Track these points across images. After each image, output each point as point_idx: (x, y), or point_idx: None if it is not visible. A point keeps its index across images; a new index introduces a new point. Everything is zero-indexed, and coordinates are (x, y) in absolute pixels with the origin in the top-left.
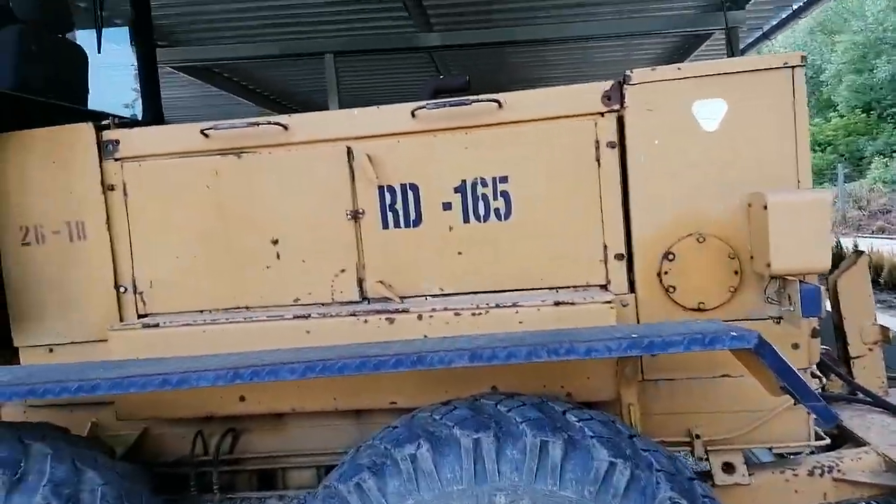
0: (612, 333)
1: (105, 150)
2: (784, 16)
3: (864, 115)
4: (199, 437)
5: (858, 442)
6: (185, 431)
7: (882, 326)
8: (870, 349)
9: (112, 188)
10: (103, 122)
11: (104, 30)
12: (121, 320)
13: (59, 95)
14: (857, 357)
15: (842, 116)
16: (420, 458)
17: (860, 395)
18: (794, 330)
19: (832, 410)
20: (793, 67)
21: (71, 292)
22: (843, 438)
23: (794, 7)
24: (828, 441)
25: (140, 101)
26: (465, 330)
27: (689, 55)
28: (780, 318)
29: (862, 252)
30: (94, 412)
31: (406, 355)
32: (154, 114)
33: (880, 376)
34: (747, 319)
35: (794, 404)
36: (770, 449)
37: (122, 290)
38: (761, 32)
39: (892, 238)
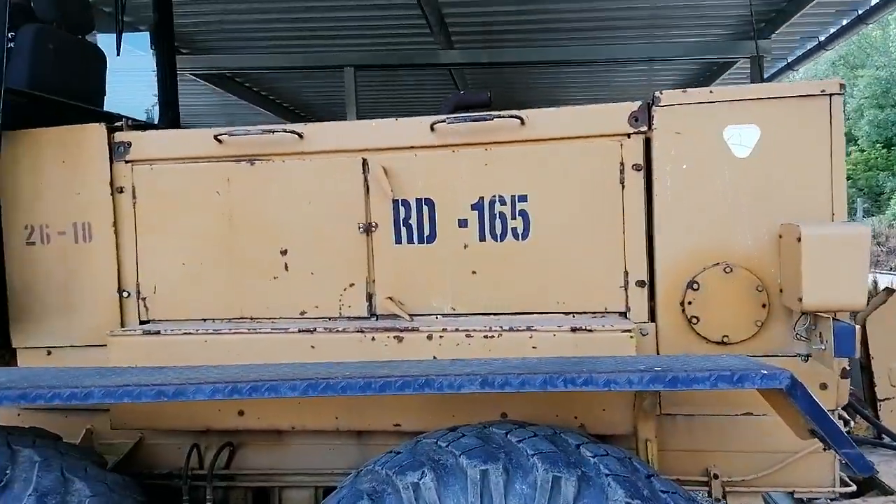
0: (633, 365)
1: (116, 151)
2: (809, 47)
3: (885, 150)
4: (195, 450)
5: (885, 490)
6: (180, 443)
7: None
8: None
9: (121, 190)
10: (116, 124)
11: (126, 34)
12: (122, 325)
13: (75, 96)
14: (885, 399)
15: (862, 151)
16: (423, 488)
17: (887, 440)
18: (822, 369)
19: (867, 459)
20: (830, 95)
21: (73, 295)
22: (867, 485)
23: (821, 39)
24: (854, 488)
25: (157, 105)
26: (477, 352)
27: (711, 83)
28: (809, 355)
29: (893, 290)
30: (90, 418)
31: (413, 378)
32: (171, 119)
33: None
34: (773, 356)
35: (825, 449)
36: (792, 493)
37: (125, 294)
38: (785, 63)
39: None
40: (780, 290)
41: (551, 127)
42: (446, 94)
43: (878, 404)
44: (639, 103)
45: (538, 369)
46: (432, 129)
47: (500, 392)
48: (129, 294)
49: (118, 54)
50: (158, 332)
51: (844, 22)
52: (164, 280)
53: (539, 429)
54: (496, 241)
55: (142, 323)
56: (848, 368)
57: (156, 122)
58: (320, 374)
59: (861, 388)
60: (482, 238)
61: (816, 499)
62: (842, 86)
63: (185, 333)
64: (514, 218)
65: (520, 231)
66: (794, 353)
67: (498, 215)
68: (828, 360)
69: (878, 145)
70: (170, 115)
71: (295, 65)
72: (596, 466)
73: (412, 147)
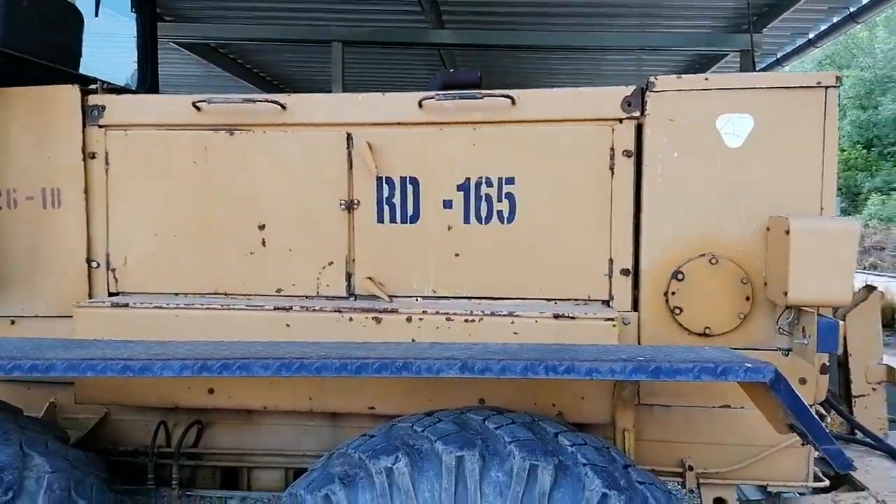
0: (616, 354)
1: (90, 115)
2: (800, 43)
3: (865, 150)
4: (163, 428)
5: (856, 486)
6: (147, 419)
7: (888, 366)
8: (873, 389)
9: (93, 156)
10: (90, 87)
11: None
12: (90, 297)
13: (49, 56)
14: (860, 396)
15: (842, 151)
16: (396, 473)
17: (860, 436)
18: (803, 364)
19: (847, 456)
20: (826, 88)
21: (39, 263)
22: (838, 480)
23: (811, 36)
24: (827, 483)
25: (137, 71)
26: (457, 336)
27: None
28: (789, 349)
29: (874, 287)
30: (54, 392)
31: (391, 360)
32: (150, 86)
33: (881, 417)
34: (754, 349)
35: (803, 444)
36: (765, 487)
37: (94, 265)
38: (775, 59)
39: (882, 275)
40: (765, 284)
41: (542, 108)
42: (434, 73)
43: (854, 401)
44: (633, 88)
45: (519, 356)
46: (420, 105)
47: (479, 378)
48: (99, 265)
49: (96, 15)
50: (127, 305)
51: (836, 19)
52: (136, 251)
53: (517, 416)
54: (481, 223)
55: (111, 295)
56: (827, 364)
57: (134, 89)
58: (294, 354)
59: (837, 385)
60: (467, 220)
61: (786, 492)
62: (838, 78)
63: (156, 307)
64: (500, 200)
65: (505, 214)
66: (776, 348)
67: (484, 197)
68: (810, 355)
69: (858, 146)
70: (149, 83)
71: (282, 37)
72: (573, 455)
73: (399, 123)
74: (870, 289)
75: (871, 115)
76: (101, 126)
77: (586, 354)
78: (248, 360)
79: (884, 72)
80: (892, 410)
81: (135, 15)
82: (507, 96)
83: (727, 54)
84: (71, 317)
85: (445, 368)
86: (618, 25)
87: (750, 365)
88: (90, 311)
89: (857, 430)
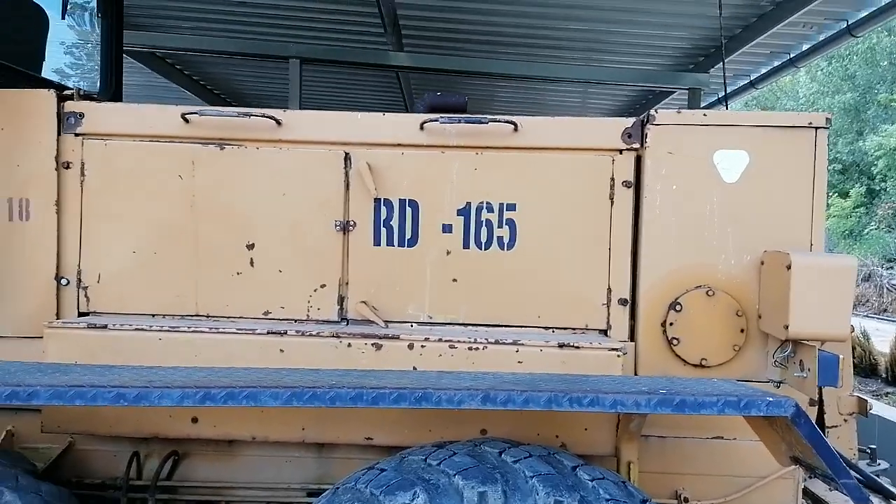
0: (637, 386)
1: (66, 122)
2: (741, 84)
3: None
4: (135, 458)
5: None
6: (116, 450)
7: (859, 398)
8: (845, 420)
9: (67, 166)
10: (66, 93)
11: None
12: (58, 316)
13: (9, 57)
14: (832, 427)
15: None
16: None
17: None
18: (796, 395)
19: (864, 490)
20: (816, 128)
21: (3, 279)
22: None
23: (752, 77)
24: None
25: (100, 77)
26: (459, 365)
27: (645, 110)
28: (781, 382)
29: None
30: (11, 419)
31: (409, 391)
32: (114, 91)
33: (852, 448)
34: (747, 380)
35: (809, 477)
36: None
37: (63, 282)
38: (717, 98)
39: None
40: (759, 316)
41: (544, 136)
42: (389, 95)
43: (826, 431)
44: (633, 120)
45: (538, 387)
46: (422, 127)
47: (497, 409)
48: (69, 282)
49: (63, 17)
50: (105, 327)
51: (776, 63)
52: (111, 268)
53: (533, 448)
54: (480, 249)
55: (80, 315)
56: (815, 398)
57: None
58: (304, 383)
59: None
60: (466, 245)
61: None
62: (828, 120)
63: (138, 329)
64: (500, 226)
65: (506, 241)
66: (767, 379)
67: (484, 223)
68: (809, 388)
69: None
70: (113, 87)
71: (238, 51)
72: (595, 490)
73: (399, 144)
74: None
75: None
76: (77, 134)
77: (606, 386)
78: (255, 389)
79: None
80: (862, 441)
81: (99, 18)
82: (511, 122)
83: (674, 92)
84: (35, 338)
85: (467, 400)
86: (568, 58)
87: (771, 399)
88: (63, 332)
89: None
